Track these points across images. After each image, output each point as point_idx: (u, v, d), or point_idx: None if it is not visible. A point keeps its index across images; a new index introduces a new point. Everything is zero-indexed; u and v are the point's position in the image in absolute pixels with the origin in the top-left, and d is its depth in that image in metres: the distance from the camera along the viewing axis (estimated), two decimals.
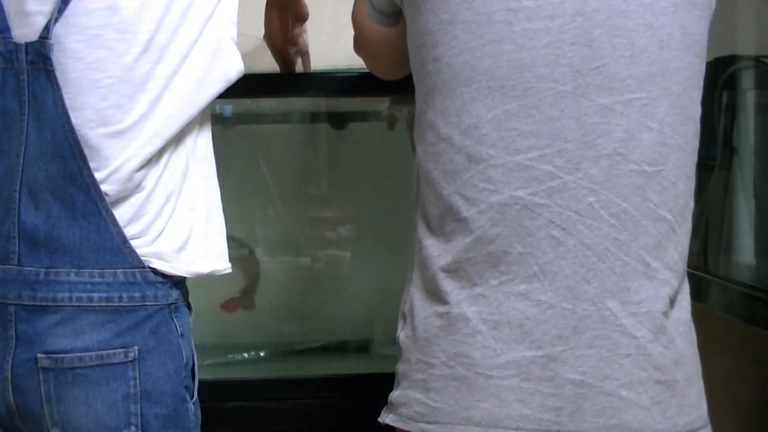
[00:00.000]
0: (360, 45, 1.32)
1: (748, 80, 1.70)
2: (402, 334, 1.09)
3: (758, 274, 1.65)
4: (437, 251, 1.04)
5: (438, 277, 1.03)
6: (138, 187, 1.11)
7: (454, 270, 1.02)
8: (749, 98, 1.70)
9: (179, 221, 1.15)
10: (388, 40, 1.23)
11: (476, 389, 0.99)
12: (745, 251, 1.70)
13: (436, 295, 1.04)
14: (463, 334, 1.00)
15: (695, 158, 1.06)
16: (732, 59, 1.69)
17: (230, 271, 1.22)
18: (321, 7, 1.91)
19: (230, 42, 1.16)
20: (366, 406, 1.49)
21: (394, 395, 1.08)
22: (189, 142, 1.16)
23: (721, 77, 1.69)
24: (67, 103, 1.07)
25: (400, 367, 1.08)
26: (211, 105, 1.19)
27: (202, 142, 1.19)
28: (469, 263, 1.01)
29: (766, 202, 1.66)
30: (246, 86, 1.53)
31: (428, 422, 1.02)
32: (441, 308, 1.03)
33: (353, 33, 1.32)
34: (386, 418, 1.08)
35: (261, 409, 1.52)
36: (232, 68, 1.17)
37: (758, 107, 1.70)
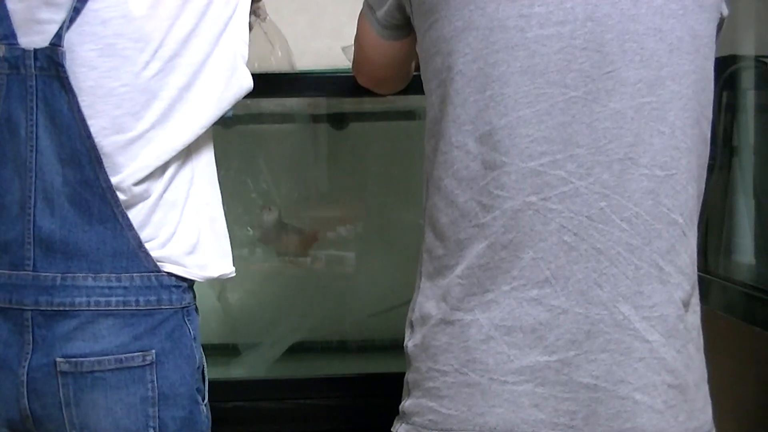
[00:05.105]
0: (365, 64, 1.32)
1: (748, 80, 1.70)
2: (410, 344, 1.08)
3: (758, 274, 1.66)
4: (448, 259, 1.04)
5: (449, 284, 1.03)
6: (146, 195, 1.12)
7: (466, 277, 1.02)
8: (749, 98, 1.70)
9: (188, 226, 1.16)
10: (395, 54, 1.23)
11: (490, 395, 0.99)
12: (745, 251, 1.70)
13: (447, 302, 1.03)
14: (476, 341, 1.00)
15: (705, 161, 1.07)
16: (732, 59, 1.69)
17: (234, 274, 1.23)
18: (321, 7, 1.92)
19: (242, 60, 1.19)
20: (366, 406, 1.49)
21: (406, 405, 1.07)
22: (194, 150, 1.18)
23: (721, 77, 1.69)
24: (83, 110, 1.08)
25: (410, 377, 1.08)
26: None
27: (206, 149, 1.21)
28: (482, 269, 1.00)
29: (766, 202, 1.66)
30: None
31: (442, 430, 1.01)
32: (452, 315, 1.02)
33: (354, 57, 1.32)
34: (399, 428, 1.07)
35: (261, 409, 1.52)
36: (245, 85, 1.20)
37: (758, 107, 1.70)
